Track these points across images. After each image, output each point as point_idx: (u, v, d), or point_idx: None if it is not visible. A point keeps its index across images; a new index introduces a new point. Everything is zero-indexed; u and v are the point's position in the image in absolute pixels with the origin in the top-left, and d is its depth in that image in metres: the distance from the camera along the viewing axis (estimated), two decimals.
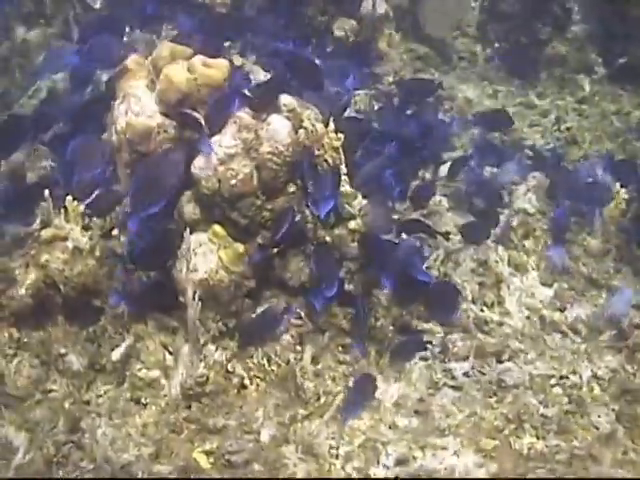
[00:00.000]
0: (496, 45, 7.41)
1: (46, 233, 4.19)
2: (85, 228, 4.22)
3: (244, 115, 3.88)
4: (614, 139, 6.44)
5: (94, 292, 4.19)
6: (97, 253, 4.18)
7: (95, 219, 4.24)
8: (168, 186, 3.70)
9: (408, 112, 5.30)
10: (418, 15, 7.03)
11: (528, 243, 4.89)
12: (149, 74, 3.98)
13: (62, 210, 4.20)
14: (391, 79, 6.25)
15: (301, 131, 3.94)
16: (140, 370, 3.93)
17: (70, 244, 4.14)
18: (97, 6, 6.77)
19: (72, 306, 4.22)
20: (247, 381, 3.87)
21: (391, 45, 6.45)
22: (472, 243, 4.72)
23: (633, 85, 7.11)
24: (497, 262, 4.72)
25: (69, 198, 4.20)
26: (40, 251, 4.19)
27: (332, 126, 3.96)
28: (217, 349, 3.87)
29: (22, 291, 4.13)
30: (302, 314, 4.04)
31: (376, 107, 5.44)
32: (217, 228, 3.84)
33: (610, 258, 4.89)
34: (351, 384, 3.88)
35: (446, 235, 4.63)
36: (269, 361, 3.91)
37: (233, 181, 3.76)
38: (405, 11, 7.03)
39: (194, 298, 3.68)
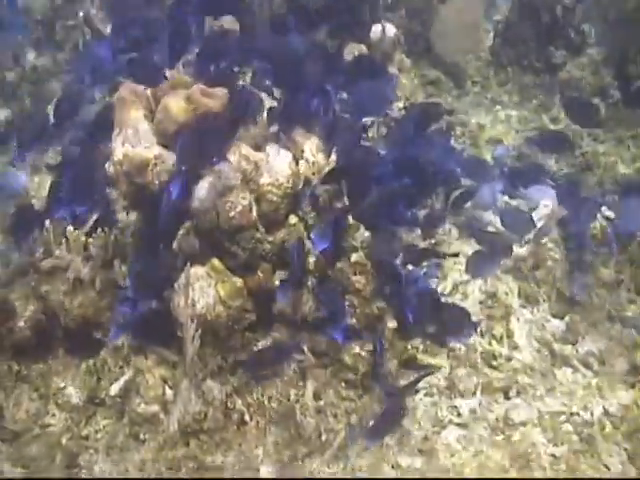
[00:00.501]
0: (509, 69, 7.29)
1: (46, 264, 4.14)
2: (86, 258, 4.16)
3: (243, 145, 3.80)
4: (630, 164, 6.31)
5: (94, 324, 4.12)
6: (98, 284, 4.10)
7: (96, 250, 4.16)
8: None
9: (418, 138, 5.17)
10: (430, 39, 6.95)
11: (539, 274, 4.77)
12: (148, 104, 3.90)
13: (64, 240, 4.14)
14: (402, 104, 6.16)
15: (302, 162, 3.86)
16: (139, 405, 3.86)
17: (71, 275, 4.07)
18: (108, 31, 6.77)
19: (72, 338, 4.15)
20: (247, 417, 3.77)
21: (402, 70, 6.36)
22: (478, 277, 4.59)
23: None
24: (507, 294, 4.61)
25: (70, 228, 4.15)
26: (40, 282, 4.14)
27: (334, 157, 3.87)
28: (216, 385, 3.76)
29: (22, 323, 4.07)
30: (305, 349, 3.93)
31: (385, 133, 5.31)
32: (215, 262, 3.77)
33: (623, 288, 4.75)
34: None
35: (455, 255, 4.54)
36: (270, 397, 3.81)
37: (232, 213, 3.69)
38: (417, 35, 6.95)
39: (192, 333, 3.59)
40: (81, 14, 7.01)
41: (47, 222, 4.32)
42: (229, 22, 5.40)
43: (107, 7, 6.93)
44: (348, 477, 3.64)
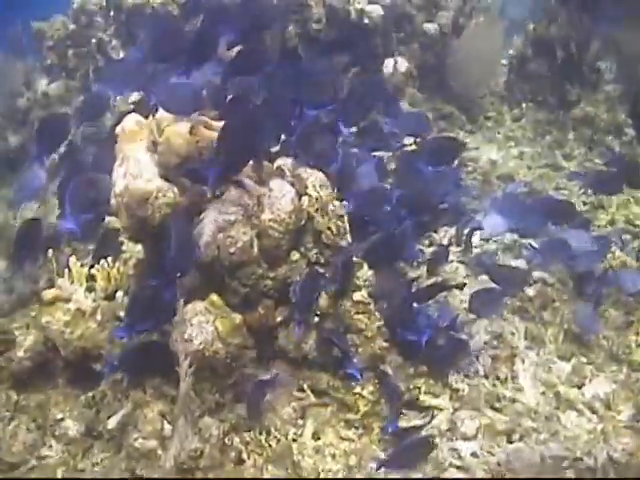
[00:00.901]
0: (523, 105, 7.27)
1: (48, 294, 4.11)
2: (89, 290, 4.14)
3: (246, 179, 3.77)
4: None
5: (95, 356, 4.08)
6: (99, 316, 4.08)
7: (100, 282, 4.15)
8: None
9: (429, 174, 5.13)
10: (444, 73, 6.93)
11: (546, 314, 4.70)
12: (151, 134, 3.87)
13: (66, 270, 4.13)
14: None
15: (304, 198, 3.83)
16: (137, 439, 3.79)
17: (72, 306, 4.04)
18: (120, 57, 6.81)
19: (72, 370, 4.12)
20: (244, 455, 3.70)
21: (414, 104, 6.35)
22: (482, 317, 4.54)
23: None
24: (513, 334, 4.55)
25: (73, 259, 4.13)
26: (41, 312, 4.13)
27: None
28: (214, 421, 3.71)
29: (21, 353, 4.05)
30: (305, 386, 3.88)
31: (395, 168, 5.26)
32: (214, 298, 3.73)
33: (632, 331, 4.67)
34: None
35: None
36: (268, 435, 3.74)
37: (232, 249, 3.65)
38: (431, 69, 6.94)
39: (186, 370, 3.54)
40: (94, 41, 7.04)
41: (50, 252, 4.30)
42: None
43: (122, 34, 6.96)
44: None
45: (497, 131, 7.11)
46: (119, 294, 4.21)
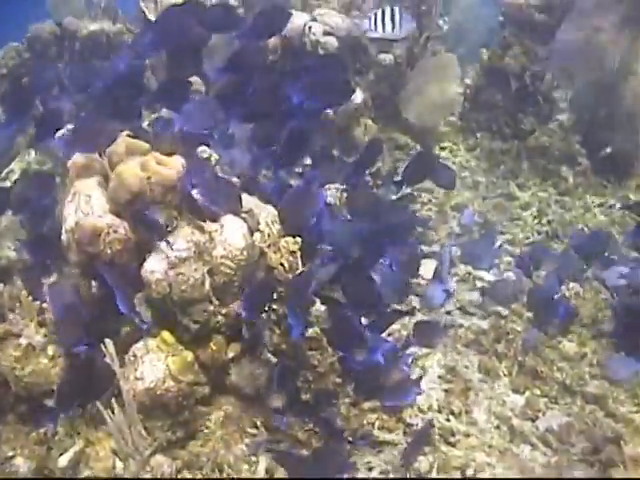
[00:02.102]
0: (478, 135, 7.31)
1: None
2: (40, 324, 4.08)
3: (198, 215, 3.75)
4: None
5: (46, 392, 4.01)
6: (50, 351, 4.01)
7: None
8: None
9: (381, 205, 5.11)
10: (399, 103, 6.95)
11: (500, 347, 4.72)
12: (102, 169, 3.84)
13: (17, 304, 4.07)
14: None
15: (257, 234, 3.81)
16: (88, 478, 3.73)
17: (24, 341, 3.98)
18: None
19: (23, 406, 4.04)
20: None
21: (368, 134, 6.35)
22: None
23: (617, 177, 7.03)
24: (467, 368, 4.56)
25: (24, 293, 4.08)
26: None
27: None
28: (166, 459, 3.66)
29: None
30: (258, 423, 3.85)
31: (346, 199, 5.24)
32: (166, 335, 3.69)
33: (586, 363, 4.70)
34: None
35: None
36: (221, 472, 3.70)
37: (183, 286, 3.61)
38: (386, 99, 6.96)
39: (130, 411, 3.50)
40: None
41: (1, 286, 4.24)
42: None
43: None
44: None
45: (452, 161, 7.12)
46: None
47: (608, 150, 7.11)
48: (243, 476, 3.73)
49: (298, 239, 3.84)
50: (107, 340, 3.54)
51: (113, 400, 3.54)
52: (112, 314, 3.74)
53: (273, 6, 4.34)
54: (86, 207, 3.72)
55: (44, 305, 4.09)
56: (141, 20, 6.39)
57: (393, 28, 4.64)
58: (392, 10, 4.65)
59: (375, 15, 4.68)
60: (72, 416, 3.92)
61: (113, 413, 3.51)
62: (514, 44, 7.27)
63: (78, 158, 3.87)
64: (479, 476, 3.83)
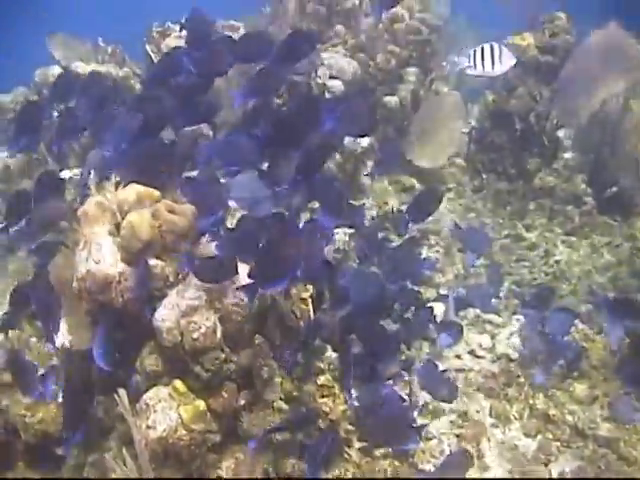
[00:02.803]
0: (484, 176, 7.32)
1: (6, 376, 4.05)
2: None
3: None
4: (604, 273, 6.30)
5: (55, 440, 4.01)
6: (60, 399, 4.01)
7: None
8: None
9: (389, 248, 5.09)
10: (404, 145, 6.97)
11: (511, 391, 4.70)
12: (113, 217, 3.85)
13: (27, 351, 4.08)
14: (375, 213, 6.17)
15: None
16: None
17: None
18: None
19: (32, 453, 4.04)
20: None
21: (374, 176, 6.37)
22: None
23: (624, 216, 7.02)
24: (478, 412, 4.54)
25: (33, 340, 4.08)
26: (1, 395, 4.04)
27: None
28: None
29: None
30: (270, 470, 3.84)
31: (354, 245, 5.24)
32: (178, 384, 3.67)
33: (597, 405, 4.68)
34: None
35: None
36: None
37: (195, 335, 3.60)
38: (391, 141, 6.98)
39: (144, 461, 3.49)
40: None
41: (10, 332, 4.25)
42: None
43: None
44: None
45: (458, 202, 7.14)
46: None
47: (614, 189, 7.09)
48: None
49: (309, 286, 3.84)
50: (120, 390, 3.54)
51: (124, 450, 3.54)
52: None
53: (300, 33, 4.36)
54: (97, 255, 3.72)
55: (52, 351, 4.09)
56: (148, 64, 6.42)
57: (493, 65, 4.61)
58: (492, 47, 4.62)
59: (474, 52, 4.65)
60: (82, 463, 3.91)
61: (124, 463, 3.50)
62: (518, 85, 7.29)
63: (89, 206, 3.88)
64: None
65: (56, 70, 7.27)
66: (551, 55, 7.37)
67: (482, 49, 4.66)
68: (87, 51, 7.31)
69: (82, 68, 7.01)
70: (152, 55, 6.60)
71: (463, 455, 3.82)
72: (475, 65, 4.68)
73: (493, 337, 5.24)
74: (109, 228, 3.86)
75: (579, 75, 7.11)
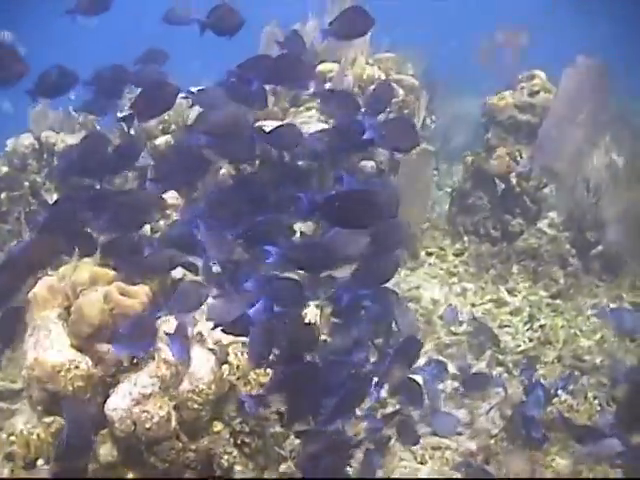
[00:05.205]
0: (465, 239, 7.19)
1: None
2: (7, 457, 3.90)
3: (165, 348, 3.59)
4: (591, 336, 6.14)
5: None
6: None
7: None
8: None
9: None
10: None
11: (490, 468, 4.51)
12: (65, 301, 3.70)
13: None
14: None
15: (225, 366, 3.65)
16: None
17: None
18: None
19: None
20: None
21: None
22: None
23: (610, 275, 6.89)
24: None
25: None
26: None
27: None
28: None
29: None
30: None
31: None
32: (130, 476, 3.50)
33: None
34: None
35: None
36: None
37: (148, 424, 3.43)
38: None
39: None
40: (27, 184, 6.95)
41: None
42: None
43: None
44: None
45: (440, 267, 6.99)
46: (40, 462, 3.95)
47: (599, 248, 6.97)
48: None
49: (269, 370, 3.69)
50: None
51: None
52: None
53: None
54: (46, 342, 3.57)
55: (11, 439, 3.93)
56: (120, 135, 6.31)
57: None
58: None
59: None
60: None
61: None
62: (498, 145, 7.19)
63: (40, 289, 3.73)
64: None
65: (27, 140, 7.18)
66: (530, 114, 7.26)
67: None
68: (59, 120, 7.21)
69: (53, 138, 6.92)
70: (123, 125, 6.49)
71: None
72: None
73: (470, 412, 5.06)
74: (59, 312, 3.71)
75: (555, 131, 7.03)
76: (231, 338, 3.82)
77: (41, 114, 7.26)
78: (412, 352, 3.98)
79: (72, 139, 6.80)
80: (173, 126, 6.53)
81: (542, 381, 4.96)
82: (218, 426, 3.67)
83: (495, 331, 6.02)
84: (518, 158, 7.19)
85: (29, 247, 3.80)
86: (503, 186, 7.16)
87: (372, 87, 4.97)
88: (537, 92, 7.39)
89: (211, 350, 3.74)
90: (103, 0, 4.57)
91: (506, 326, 6.27)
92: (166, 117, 6.38)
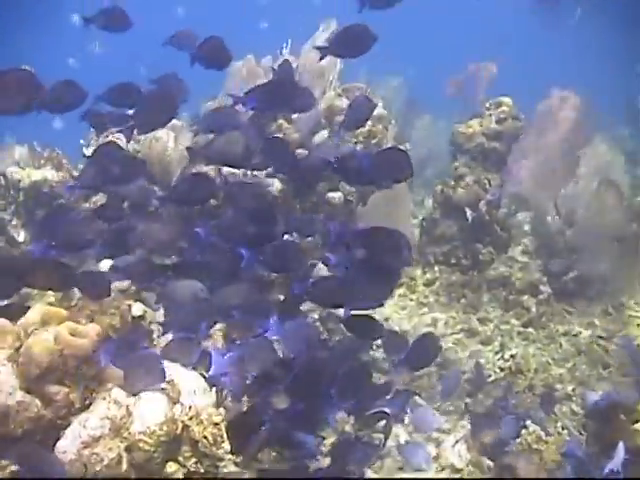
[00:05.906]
0: (436, 268, 7.12)
1: None
2: None
3: (115, 387, 3.52)
4: (563, 364, 6.09)
5: None
6: None
7: None
8: None
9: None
10: None
11: None
12: (16, 341, 3.62)
13: None
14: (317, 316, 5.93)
15: (177, 406, 3.57)
16: None
17: None
18: (21, 239, 6.62)
19: None
20: None
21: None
22: None
23: (582, 302, 6.85)
24: None
25: None
26: None
27: (213, 399, 3.60)
28: None
29: None
30: None
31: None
32: None
33: None
34: None
35: None
36: None
37: (98, 467, 3.35)
38: None
39: None
40: None
41: None
42: None
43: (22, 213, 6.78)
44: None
45: (409, 298, 6.91)
46: None
47: (571, 275, 6.93)
48: None
49: (222, 410, 3.62)
50: None
51: None
52: None
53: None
54: None
55: None
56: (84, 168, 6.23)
57: None
58: None
59: None
60: None
61: None
62: (466, 174, 7.15)
63: None
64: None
65: None
66: (497, 141, 7.23)
67: None
68: (24, 155, 7.12)
69: (18, 174, 6.83)
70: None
71: None
72: None
73: (438, 445, 4.98)
74: (10, 353, 3.63)
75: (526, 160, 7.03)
76: (182, 377, 3.75)
77: (7, 149, 7.18)
78: None
79: (38, 174, 6.71)
80: None
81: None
82: (172, 467, 3.57)
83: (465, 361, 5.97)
84: (487, 186, 7.13)
85: None
86: (473, 214, 7.09)
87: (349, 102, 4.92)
88: (505, 119, 7.36)
89: (163, 390, 3.65)
90: (123, 18, 4.54)
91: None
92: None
